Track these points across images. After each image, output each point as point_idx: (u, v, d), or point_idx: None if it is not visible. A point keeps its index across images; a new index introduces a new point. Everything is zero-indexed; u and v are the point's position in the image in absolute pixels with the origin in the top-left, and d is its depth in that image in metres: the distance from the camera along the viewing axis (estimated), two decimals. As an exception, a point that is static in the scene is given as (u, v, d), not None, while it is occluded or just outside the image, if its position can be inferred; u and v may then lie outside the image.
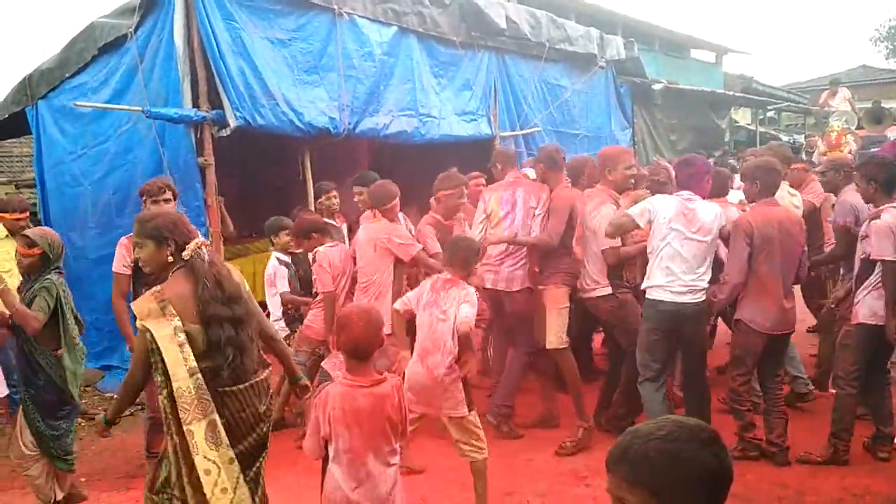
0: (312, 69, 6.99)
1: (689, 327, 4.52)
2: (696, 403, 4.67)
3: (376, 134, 7.61)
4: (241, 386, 2.91)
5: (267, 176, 9.04)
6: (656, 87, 12.43)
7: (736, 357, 4.70)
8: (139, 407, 6.45)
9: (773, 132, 19.24)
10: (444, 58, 8.40)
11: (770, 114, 21.28)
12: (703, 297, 4.49)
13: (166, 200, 4.70)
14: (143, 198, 4.79)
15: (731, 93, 17.04)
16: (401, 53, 7.84)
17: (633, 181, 5.39)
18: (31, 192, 9.05)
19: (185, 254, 2.91)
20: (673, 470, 1.41)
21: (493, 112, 9.01)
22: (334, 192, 6.40)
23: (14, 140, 10.86)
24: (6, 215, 6.21)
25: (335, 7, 7.13)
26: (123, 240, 4.76)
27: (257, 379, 3.00)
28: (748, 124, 19.55)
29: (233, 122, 6.29)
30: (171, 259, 2.98)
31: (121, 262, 4.81)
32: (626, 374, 5.10)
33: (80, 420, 6.15)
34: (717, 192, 5.30)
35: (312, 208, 6.99)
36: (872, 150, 9.03)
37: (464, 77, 8.65)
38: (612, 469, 1.50)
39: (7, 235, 6.15)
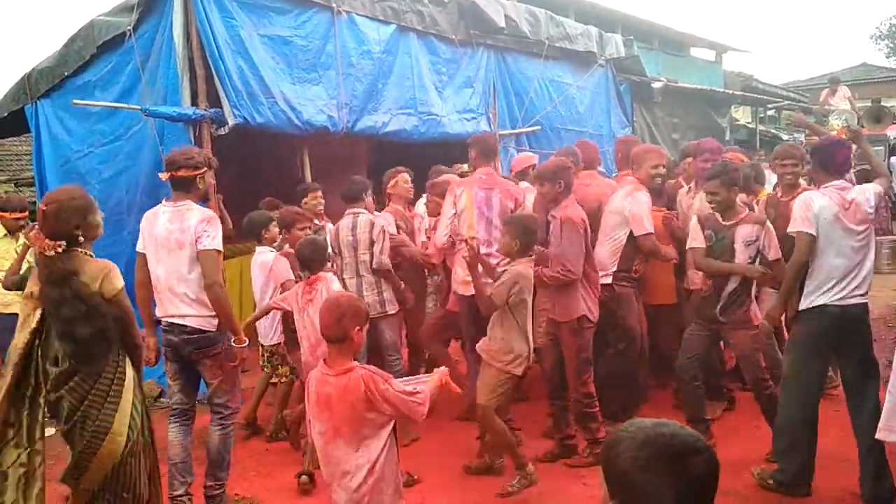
0: (311, 67, 7.00)
1: None
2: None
3: (375, 132, 7.62)
4: None
5: (266, 174, 9.04)
6: (656, 85, 12.42)
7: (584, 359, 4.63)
8: (153, 401, 6.48)
9: (773, 131, 19.25)
10: (444, 56, 8.41)
11: (770, 112, 21.28)
12: None
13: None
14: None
15: (732, 91, 17.03)
16: (400, 51, 7.84)
17: (659, 180, 5.26)
18: (31, 191, 9.06)
19: None
20: (636, 477, 1.42)
21: (493, 110, 9.01)
22: (319, 193, 6.27)
23: (14, 138, 10.87)
24: (5, 214, 6.22)
25: (334, 5, 7.14)
26: (212, 212, 4.28)
27: None
28: (748, 123, 19.56)
29: (231, 121, 6.30)
30: None
31: (220, 238, 4.16)
32: (608, 369, 5.05)
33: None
34: None
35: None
36: (876, 148, 9.02)
37: (464, 75, 8.65)
38: (600, 458, 1.54)
39: (6, 234, 6.15)
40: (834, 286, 3.92)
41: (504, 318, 4.22)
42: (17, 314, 5.81)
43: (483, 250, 4.61)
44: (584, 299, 4.55)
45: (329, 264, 5.09)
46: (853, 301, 3.94)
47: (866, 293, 4.01)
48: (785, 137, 17.72)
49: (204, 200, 4.28)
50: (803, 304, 4.00)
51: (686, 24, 48.51)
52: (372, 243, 5.23)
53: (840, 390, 5.58)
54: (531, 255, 4.30)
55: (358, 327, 2.85)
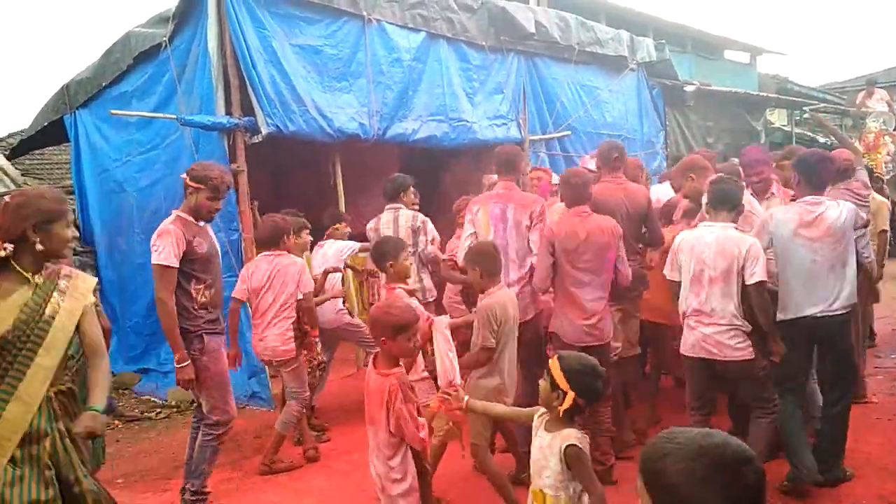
0: (342, 76, 7.07)
1: None
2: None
3: (406, 139, 7.66)
4: None
5: (298, 182, 9.14)
6: (689, 88, 12.30)
7: None
8: (175, 409, 6.60)
9: (809, 133, 18.92)
10: (474, 62, 8.43)
11: (806, 115, 20.95)
12: None
13: (223, 201, 4.37)
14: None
15: (766, 94, 16.79)
16: (430, 59, 7.88)
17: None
18: (71, 199, 9.26)
19: None
20: (689, 489, 1.40)
21: (523, 116, 9.00)
22: (345, 223, 6.35)
23: (53, 147, 11.12)
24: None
25: (364, 14, 7.20)
26: (169, 225, 4.06)
27: None
28: (784, 125, 19.24)
29: (264, 129, 6.38)
30: None
31: (171, 254, 3.98)
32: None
33: (116, 422, 6.32)
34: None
35: (343, 211, 7.03)
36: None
37: (494, 81, 8.66)
38: (640, 469, 1.51)
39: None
40: (799, 300, 3.95)
41: None
42: None
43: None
44: None
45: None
46: (824, 314, 3.94)
47: (841, 307, 3.96)
48: (821, 140, 17.41)
49: (198, 218, 4.17)
50: (778, 317, 3.98)
51: (719, 27, 48.00)
52: (415, 234, 5.30)
53: (879, 397, 5.51)
54: (499, 282, 4.07)
55: (384, 339, 3.05)
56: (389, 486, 3.07)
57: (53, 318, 2.71)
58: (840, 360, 4.09)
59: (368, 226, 5.82)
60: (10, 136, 12.03)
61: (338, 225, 6.24)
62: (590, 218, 4.37)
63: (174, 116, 6.53)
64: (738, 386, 4.09)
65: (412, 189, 5.90)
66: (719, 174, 4.33)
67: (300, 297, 4.88)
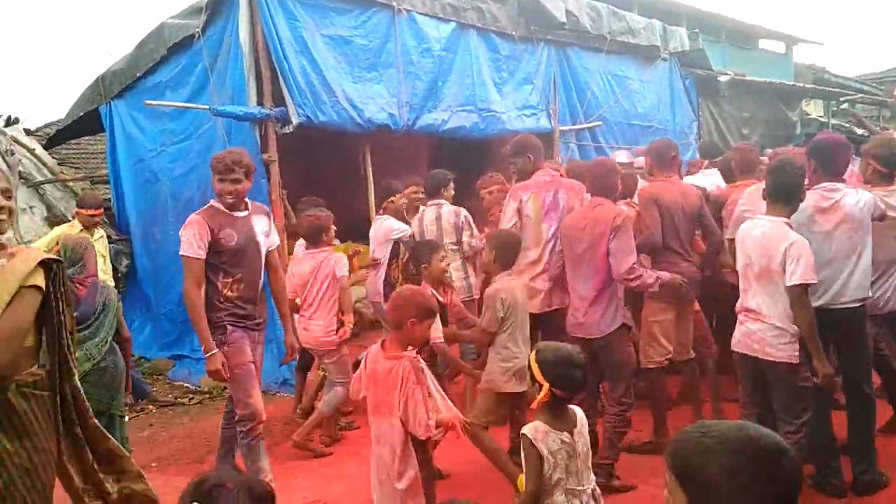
0: (372, 66, 7.09)
1: None
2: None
3: (435, 130, 7.66)
4: None
5: (327, 172, 9.20)
6: (723, 79, 12.13)
7: None
8: (207, 395, 6.70)
9: (846, 125, 18.55)
10: (504, 52, 8.40)
11: (843, 105, 20.53)
12: None
13: (235, 180, 3.97)
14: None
15: (802, 84, 16.50)
16: (460, 49, 7.87)
17: None
18: (106, 188, 9.41)
19: None
20: (731, 483, 1.37)
21: (553, 106, 8.95)
22: (400, 195, 6.25)
23: (90, 137, 11.30)
24: (82, 210, 6.48)
25: (394, 4, 7.21)
26: (194, 215, 4.00)
27: None
28: (820, 116, 18.89)
29: (295, 119, 6.43)
30: None
31: (194, 245, 3.90)
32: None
33: (150, 406, 6.44)
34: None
35: (372, 203, 7.07)
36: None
37: (524, 71, 8.62)
38: (670, 464, 1.48)
39: (82, 229, 6.42)
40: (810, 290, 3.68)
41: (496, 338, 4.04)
42: None
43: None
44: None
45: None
46: (838, 306, 3.78)
47: (852, 299, 3.80)
48: (859, 131, 17.06)
49: (226, 205, 4.02)
50: None
51: (754, 16, 47.16)
52: (458, 231, 5.31)
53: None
54: (510, 272, 4.09)
55: (413, 320, 3.04)
56: (393, 478, 3.00)
57: None
58: (853, 356, 3.91)
59: (413, 223, 5.77)
60: (46, 125, 12.24)
61: (392, 198, 6.01)
62: (596, 209, 4.23)
63: (207, 107, 6.60)
64: (774, 392, 3.77)
65: (452, 184, 5.85)
66: (779, 162, 4.12)
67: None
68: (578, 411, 2.86)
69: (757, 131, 13.30)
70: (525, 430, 2.72)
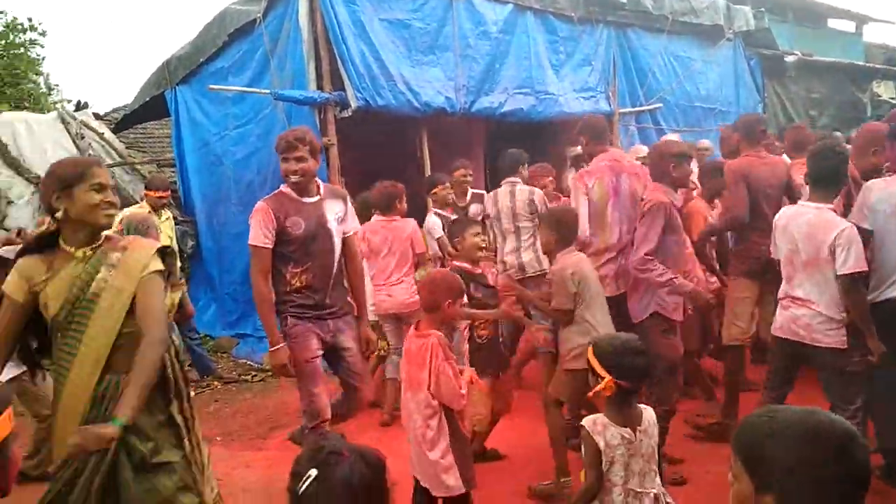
0: (429, 49, 7.12)
1: None
2: None
3: (492, 113, 7.65)
4: None
5: (384, 156, 9.28)
6: (789, 59, 11.74)
7: None
8: (269, 373, 6.87)
9: (921, 105, 17.79)
10: (562, 34, 8.30)
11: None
12: None
13: (299, 159, 3.72)
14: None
15: (873, 65, 15.86)
16: (517, 31, 7.81)
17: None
18: (172, 171, 9.69)
19: None
20: (805, 469, 1.36)
21: (612, 88, 8.82)
22: (448, 185, 6.14)
23: (155, 122, 11.63)
24: (150, 192, 6.70)
25: (452, -13, 7.20)
26: (260, 203, 3.80)
27: None
28: (892, 98, 18.14)
29: (354, 103, 6.51)
30: None
31: (260, 234, 3.70)
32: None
33: (215, 383, 6.65)
34: None
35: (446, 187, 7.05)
36: None
37: (582, 53, 8.51)
38: (737, 450, 1.47)
39: (150, 211, 6.63)
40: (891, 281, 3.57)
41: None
42: None
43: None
44: None
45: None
46: None
47: None
48: (935, 113, 16.34)
49: (293, 188, 3.79)
50: (870, 298, 3.62)
51: (824, -7, 45.19)
52: (532, 211, 5.28)
53: None
54: (572, 248, 3.98)
55: (449, 301, 3.14)
56: (426, 449, 3.06)
57: (98, 296, 2.44)
58: None
59: (487, 203, 5.75)
60: (114, 110, 12.65)
61: (436, 189, 6.02)
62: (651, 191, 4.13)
63: (268, 91, 6.73)
64: (825, 380, 3.69)
65: (527, 164, 5.81)
66: (820, 146, 3.99)
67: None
68: (648, 410, 2.75)
69: (826, 113, 12.86)
70: (584, 421, 2.65)
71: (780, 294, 3.77)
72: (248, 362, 7.34)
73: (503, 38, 7.70)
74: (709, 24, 9.86)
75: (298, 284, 3.72)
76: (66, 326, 2.43)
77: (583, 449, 2.65)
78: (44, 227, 2.55)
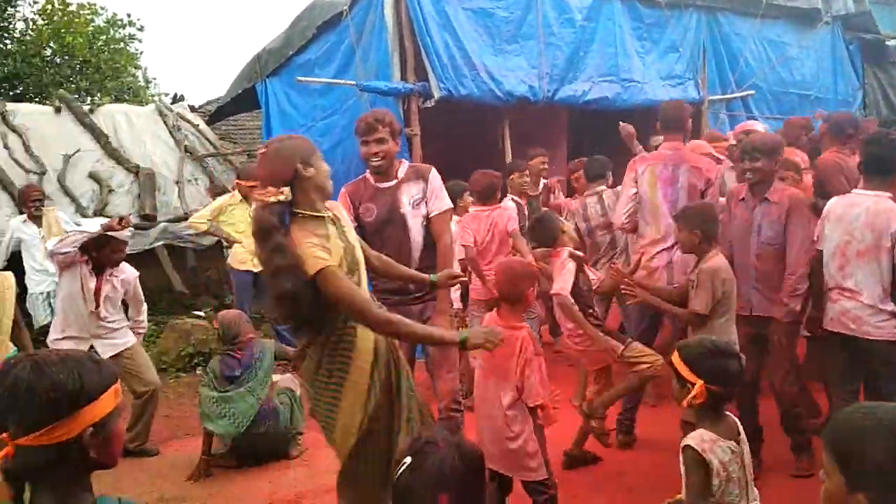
0: (513, 38, 7.10)
1: None
2: None
3: (576, 101, 7.57)
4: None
5: (465, 146, 9.31)
6: (892, 43, 11.11)
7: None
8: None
9: None
10: (649, 20, 8.12)
11: None
12: None
13: (380, 140, 3.64)
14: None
15: None
16: (602, 18, 7.70)
17: None
18: (261, 162, 9.98)
19: None
20: (884, 463, 1.33)
21: (702, 75, 8.57)
22: (526, 172, 6.12)
23: (247, 114, 12.02)
24: (242, 182, 6.95)
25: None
26: (343, 189, 3.80)
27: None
28: None
29: (437, 93, 6.57)
30: None
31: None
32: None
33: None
34: None
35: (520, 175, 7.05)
36: None
37: (669, 39, 8.31)
38: (829, 447, 1.45)
39: (242, 200, 6.87)
40: None
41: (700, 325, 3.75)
42: (252, 271, 6.65)
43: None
44: None
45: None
46: None
47: None
48: None
49: (370, 174, 3.81)
50: None
51: (935, -29, 42.19)
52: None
53: None
54: (717, 248, 3.83)
55: (532, 287, 3.19)
56: (505, 440, 3.04)
57: (355, 244, 2.81)
58: None
59: (577, 219, 5.67)
60: (208, 102, 13.13)
61: (513, 175, 5.98)
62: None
63: (354, 83, 6.86)
64: (875, 373, 3.57)
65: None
66: (875, 134, 3.84)
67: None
68: (734, 418, 2.55)
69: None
70: (688, 440, 2.37)
71: (830, 285, 3.65)
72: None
73: (588, 26, 7.60)
74: (805, 7, 9.44)
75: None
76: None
77: (685, 471, 2.37)
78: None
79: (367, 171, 3.78)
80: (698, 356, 2.43)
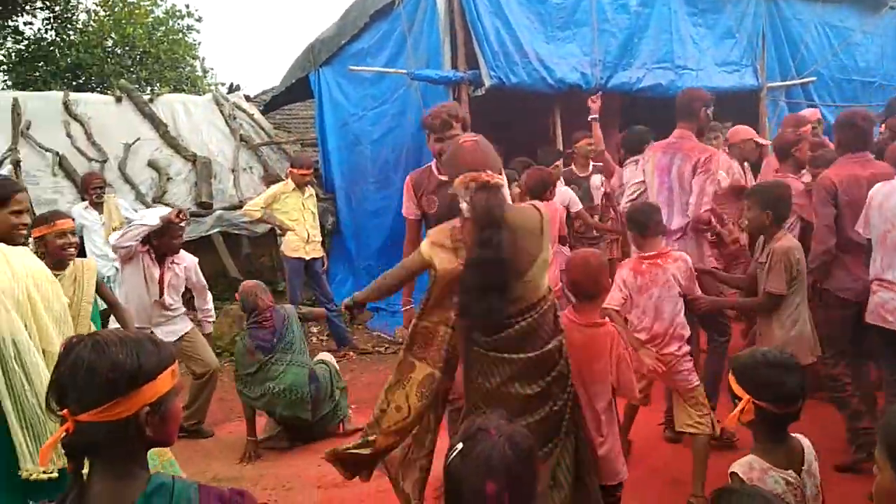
0: (565, 25, 7.03)
1: None
2: None
3: (629, 88, 7.46)
4: (497, 355, 2.53)
5: (517, 134, 9.27)
6: (963, 26, 10.64)
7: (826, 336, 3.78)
8: (401, 345, 7.10)
9: None
10: (704, 5, 7.94)
11: None
12: None
13: (454, 137, 3.35)
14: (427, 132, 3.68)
15: None
16: (657, 3, 7.55)
17: None
18: (314, 150, 10.13)
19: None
20: None
21: (760, 62, 8.35)
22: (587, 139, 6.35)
23: (300, 103, 12.18)
24: (295, 170, 7.05)
25: (591, -39, 7.05)
26: (408, 177, 3.82)
27: (525, 355, 2.53)
28: None
29: (488, 82, 6.55)
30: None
31: (406, 205, 3.74)
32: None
33: (351, 353, 6.95)
34: None
35: (560, 164, 7.04)
36: None
37: (726, 24, 8.11)
38: (883, 442, 1.43)
39: (295, 188, 6.98)
40: None
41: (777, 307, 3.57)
42: (304, 258, 6.78)
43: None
44: None
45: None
46: None
47: None
48: None
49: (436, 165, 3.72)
50: None
51: None
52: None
53: None
54: (787, 226, 3.71)
55: (609, 283, 3.08)
56: (597, 440, 2.82)
57: None
58: None
59: (614, 184, 5.71)
60: (263, 92, 13.37)
61: (557, 162, 6.12)
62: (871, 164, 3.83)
63: (405, 72, 6.89)
64: None
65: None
66: None
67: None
68: (805, 442, 2.21)
69: None
70: (735, 467, 2.12)
71: (871, 276, 3.54)
72: (382, 335, 7.61)
73: (642, 12, 7.47)
74: (871, -11, 9.11)
75: None
76: None
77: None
78: None
79: (433, 161, 3.70)
80: (748, 367, 2.18)
